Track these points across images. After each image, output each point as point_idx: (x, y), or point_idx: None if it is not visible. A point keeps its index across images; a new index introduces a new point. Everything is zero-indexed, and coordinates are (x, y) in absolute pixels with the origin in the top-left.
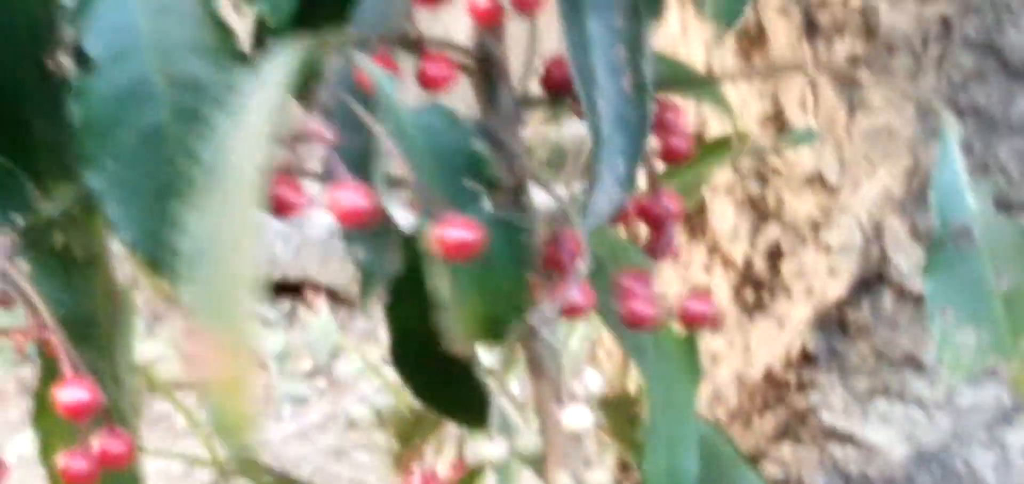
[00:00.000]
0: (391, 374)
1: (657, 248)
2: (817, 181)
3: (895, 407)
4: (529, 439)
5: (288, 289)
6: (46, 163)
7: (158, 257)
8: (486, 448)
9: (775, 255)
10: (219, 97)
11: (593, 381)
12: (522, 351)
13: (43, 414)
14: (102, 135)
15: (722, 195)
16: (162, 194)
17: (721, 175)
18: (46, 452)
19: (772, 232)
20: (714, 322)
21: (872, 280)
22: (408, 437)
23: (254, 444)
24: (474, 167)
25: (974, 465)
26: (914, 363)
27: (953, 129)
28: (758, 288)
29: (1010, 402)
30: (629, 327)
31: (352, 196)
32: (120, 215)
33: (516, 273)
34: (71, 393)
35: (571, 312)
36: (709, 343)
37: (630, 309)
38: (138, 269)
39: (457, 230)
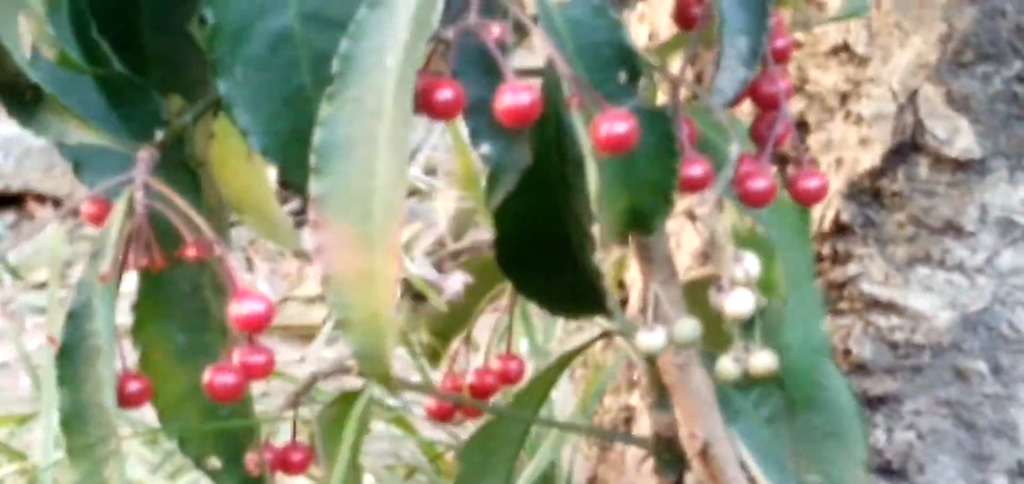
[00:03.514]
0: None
1: (768, 130)
2: (843, 52)
3: (936, 273)
4: (688, 327)
5: (10, 200)
6: (158, 75)
7: (286, 162)
8: (644, 337)
9: (800, 128)
10: (345, 1)
11: (752, 265)
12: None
13: (143, 329)
14: (233, 41)
15: None
16: (291, 99)
17: None
18: (146, 365)
19: (796, 106)
20: (825, 195)
21: (907, 149)
22: (444, 332)
23: (387, 345)
24: (623, 59)
25: (1019, 326)
26: (954, 229)
27: None
28: (783, 163)
29: None
30: (747, 205)
31: (521, 95)
32: (250, 121)
33: (664, 164)
34: (248, 306)
35: (693, 186)
36: None
37: (748, 187)
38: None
39: (614, 124)
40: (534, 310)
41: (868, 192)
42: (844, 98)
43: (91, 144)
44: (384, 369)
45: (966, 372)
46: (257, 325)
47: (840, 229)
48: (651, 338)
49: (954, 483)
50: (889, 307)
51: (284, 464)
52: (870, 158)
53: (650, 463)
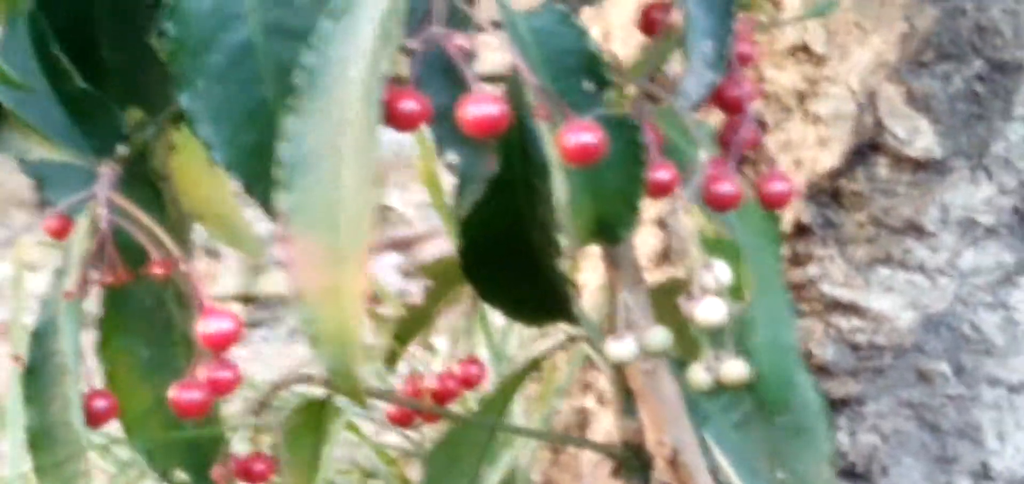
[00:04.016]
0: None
1: (734, 133)
2: (801, 51)
3: (897, 274)
4: (659, 335)
5: None
6: (118, 88)
7: (249, 176)
8: (614, 347)
9: (759, 129)
10: (308, 12)
11: (723, 272)
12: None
13: (108, 344)
14: (194, 54)
15: None
16: (254, 112)
17: None
18: (112, 380)
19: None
20: (792, 199)
21: (866, 148)
22: (402, 336)
23: (356, 360)
24: (589, 67)
25: (981, 327)
26: (915, 229)
27: None
28: (739, 163)
29: (1012, 262)
30: (713, 209)
31: (487, 106)
32: (212, 134)
33: (630, 173)
34: (216, 324)
35: (660, 191)
36: None
37: (714, 191)
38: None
39: (580, 134)
40: (492, 313)
41: (828, 193)
42: (802, 98)
43: (53, 160)
44: (354, 383)
45: (928, 373)
46: (226, 343)
47: (800, 230)
48: (622, 347)
49: None
50: (850, 308)
51: (247, 473)
52: (829, 158)
53: (606, 466)
